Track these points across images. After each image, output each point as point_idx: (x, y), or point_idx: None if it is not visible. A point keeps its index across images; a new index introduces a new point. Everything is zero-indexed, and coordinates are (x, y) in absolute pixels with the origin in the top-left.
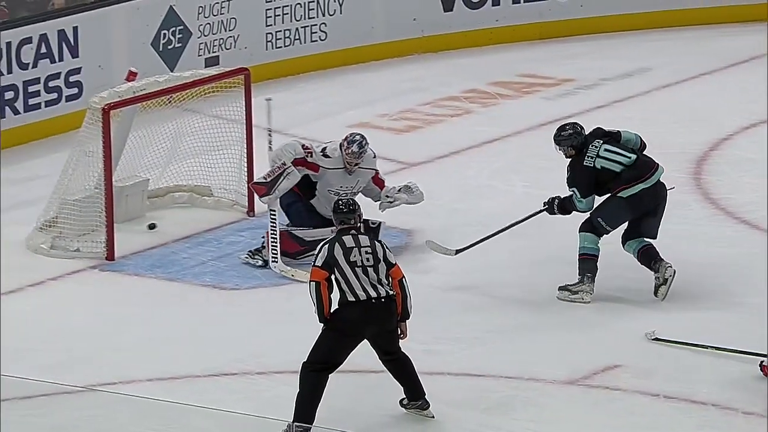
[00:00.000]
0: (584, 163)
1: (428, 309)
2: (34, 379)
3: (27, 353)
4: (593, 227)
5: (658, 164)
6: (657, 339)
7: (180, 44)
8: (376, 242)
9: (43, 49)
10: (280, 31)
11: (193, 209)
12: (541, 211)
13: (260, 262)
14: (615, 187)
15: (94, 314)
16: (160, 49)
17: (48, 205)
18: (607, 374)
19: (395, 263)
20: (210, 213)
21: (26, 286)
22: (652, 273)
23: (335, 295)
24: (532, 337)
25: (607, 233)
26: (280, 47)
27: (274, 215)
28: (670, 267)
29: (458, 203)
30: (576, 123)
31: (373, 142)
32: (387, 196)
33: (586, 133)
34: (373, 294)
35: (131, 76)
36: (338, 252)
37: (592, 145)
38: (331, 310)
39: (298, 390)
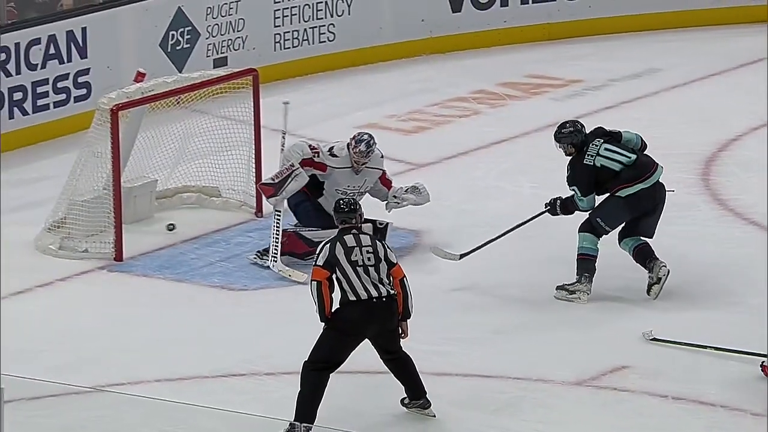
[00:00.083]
0: (584, 162)
1: (436, 309)
2: (42, 379)
3: (35, 354)
4: (592, 227)
5: (657, 164)
6: (655, 339)
7: (188, 45)
8: (377, 241)
9: (52, 50)
10: (289, 32)
11: (202, 210)
12: (543, 213)
13: (269, 263)
14: (613, 187)
15: (102, 315)
16: (169, 49)
17: (56, 205)
18: (615, 375)
19: (396, 262)
20: (218, 214)
21: (35, 286)
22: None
23: (336, 295)
24: (539, 338)
25: (606, 233)
26: (289, 48)
27: (279, 216)
28: (665, 267)
29: (466, 204)
30: (577, 121)
31: (381, 143)
32: (394, 197)
33: (587, 132)
34: (374, 293)
35: (140, 77)
36: (339, 251)
37: (593, 144)
38: (333, 310)
39: (299, 389)
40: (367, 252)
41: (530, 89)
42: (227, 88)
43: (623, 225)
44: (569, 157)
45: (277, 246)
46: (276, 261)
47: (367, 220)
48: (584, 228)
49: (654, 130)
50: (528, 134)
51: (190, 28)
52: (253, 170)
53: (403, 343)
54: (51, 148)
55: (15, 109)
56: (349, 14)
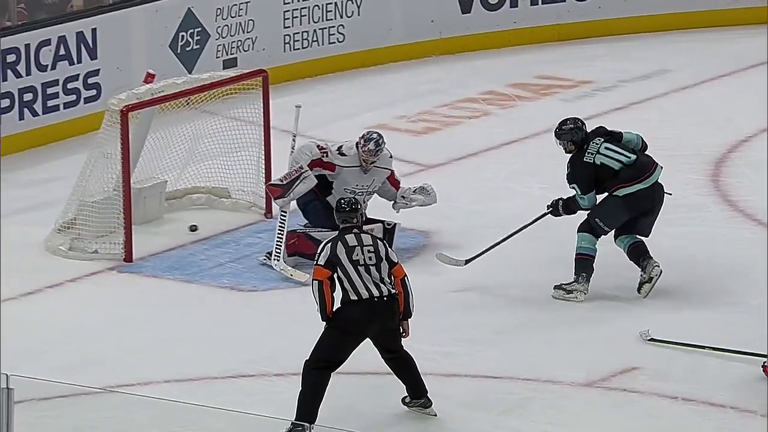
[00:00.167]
0: (584, 159)
1: (442, 310)
2: (52, 380)
3: (44, 354)
4: (591, 228)
5: (657, 165)
6: (653, 339)
7: (198, 46)
8: (378, 241)
9: (62, 51)
10: (298, 32)
11: (211, 211)
12: (546, 214)
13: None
14: (612, 186)
15: (112, 315)
16: (179, 51)
17: (66, 206)
18: (625, 376)
19: (397, 262)
20: (228, 215)
21: (44, 287)
22: (639, 270)
23: (338, 294)
24: (548, 339)
25: (605, 233)
26: (298, 49)
27: (284, 216)
28: (657, 266)
29: (476, 205)
30: (578, 118)
31: (390, 144)
32: (402, 197)
33: (588, 131)
34: (375, 293)
35: (149, 78)
36: (341, 250)
37: (593, 142)
38: (334, 309)
39: (300, 388)
40: (369, 251)
41: (540, 90)
42: (237, 89)
43: None
44: (568, 154)
45: (281, 245)
46: (279, 260)
47: (375, 221)
48: (583, 228)
49: (664, 131)
50: (538, 135)
51: (199, 29)
52: (263, 171)
53: (411, 344)
54: (61, 149)
55: (25, 110)
56: (358, 15)
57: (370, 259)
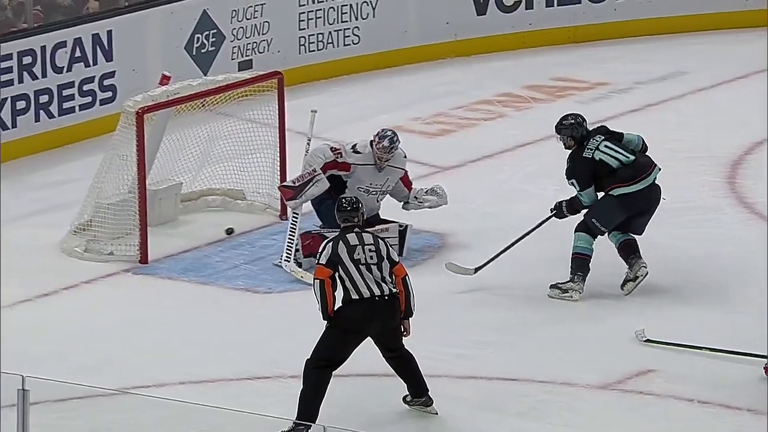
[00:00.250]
0: (583, 155)
1: (456, 312)
2: (68, 381)
3: (60, 356)
4: (588, 228)
5: (655, 165)
6: (648, 340)
7: (213, 48)
8: (379, 240)
9: (78, 53)
10: (313, 34)
11: (226, 213)
12: (550, 217)
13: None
14: (609, 185)
15: (127, 317)
16: (194, 52)
17: (82, 208)
18: (641, 379)
19: (398, 261)
20: (243, 216)
21: (60, 289)
22: (626, 266)
23: (339, 293)
24: (562, 340)
25: (602, 233)
26: (314, 51)
27: (296, 217)
28: (644, 267)
29: (491, 207)
30: (579, 114)
31: (405, 146)
32: (415, 197)
33: (589, 129)
34: (376, 292)
35: (165, 79)
36: (342, 250)
37: (593, 139)
38: (335, 308)
39: (301, 387)
40: (370, 250)
41: (555, 92)
42: (252, 91)
43: None
44: (567, 150)
45: (291, 246)
46: (289, 261)
47: (388, 221)
48: (580, 228)
49: (680, 133)
50: (553, 137)
51: (215, 31)
52: (278, 173)
53: (423, 345)
54: (77, 151)
55: (41, 111)
56: (374, 17)
57: (371, 258)
